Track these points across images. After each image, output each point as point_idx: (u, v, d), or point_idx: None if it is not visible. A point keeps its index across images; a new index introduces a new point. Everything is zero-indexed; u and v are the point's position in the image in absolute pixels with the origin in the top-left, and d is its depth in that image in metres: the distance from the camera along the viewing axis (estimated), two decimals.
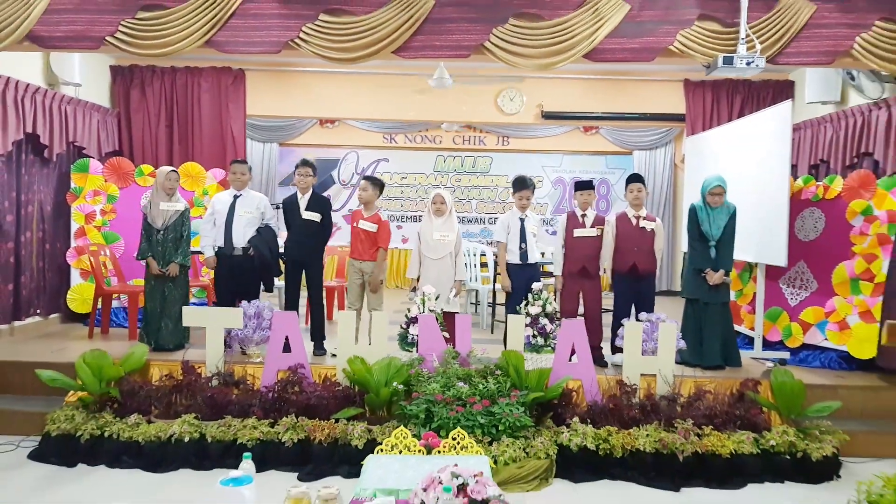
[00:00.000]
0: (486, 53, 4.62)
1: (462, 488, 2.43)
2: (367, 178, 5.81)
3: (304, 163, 5.62)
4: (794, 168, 7.07)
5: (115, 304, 6.60)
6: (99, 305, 6.24)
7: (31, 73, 6.23)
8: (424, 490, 2.47)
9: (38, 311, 6.41)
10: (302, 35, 4.58)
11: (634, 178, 5.57)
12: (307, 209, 5.52)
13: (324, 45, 4.58)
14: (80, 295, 6.70)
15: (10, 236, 5.94)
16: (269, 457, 4.20)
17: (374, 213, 5.69)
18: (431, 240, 5.51)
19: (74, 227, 6.73)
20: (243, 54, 4.63)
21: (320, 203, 5.59)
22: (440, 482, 2.44)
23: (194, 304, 7.09)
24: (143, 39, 4.60)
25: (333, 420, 4.36)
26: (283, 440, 4.23)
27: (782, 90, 7.44)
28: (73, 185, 6.72)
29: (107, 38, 4.61)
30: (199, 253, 5.92)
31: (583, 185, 5.54)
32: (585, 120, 9.27)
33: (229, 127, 7.62)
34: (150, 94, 7.50)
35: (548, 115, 8.57)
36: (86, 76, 6.85)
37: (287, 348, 4.76)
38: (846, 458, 4.43)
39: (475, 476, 2.48)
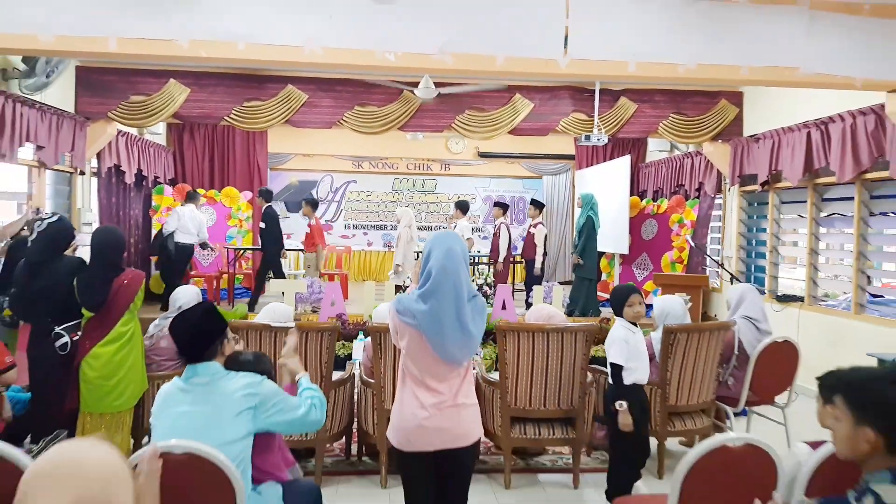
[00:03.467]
0: (453, 130, 7.92)
1: None
2: (304, 199, 9.13)
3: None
4: (644, 192, 10.70)
5: None
6: None
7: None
8: None
9: None
10: (344, 118, 7.74)
11: (533, 203, 9.01)
12: (261, 220, 8.69)
13: (357, 123, 7.75)
14: (156, 281, 9.51)
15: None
16: None
17: (309, 220, 9.00)
18: None
19: (154, 233, 9.54)
20: (308, 128, 7.74)
21: (264, 215, 8.62)
22: None
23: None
24: (247, 119, 7.65)
25: None
26: (339, 355, 7.34)
27: (637, 140, 11.03)
28: (153, 203, 9.55)
29: (224, 117, 7.63)
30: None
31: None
32: (509, 158, 12.73)
33: (255, 161, 10.58)
34: (197, 136, 10.36)
35: (482, 154, 12.00)
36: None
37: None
38: None
39: None
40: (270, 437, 2.63)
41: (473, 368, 4.42)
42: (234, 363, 2.61)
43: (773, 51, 5.07)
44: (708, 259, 7.94)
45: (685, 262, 9.16)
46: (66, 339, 3.88)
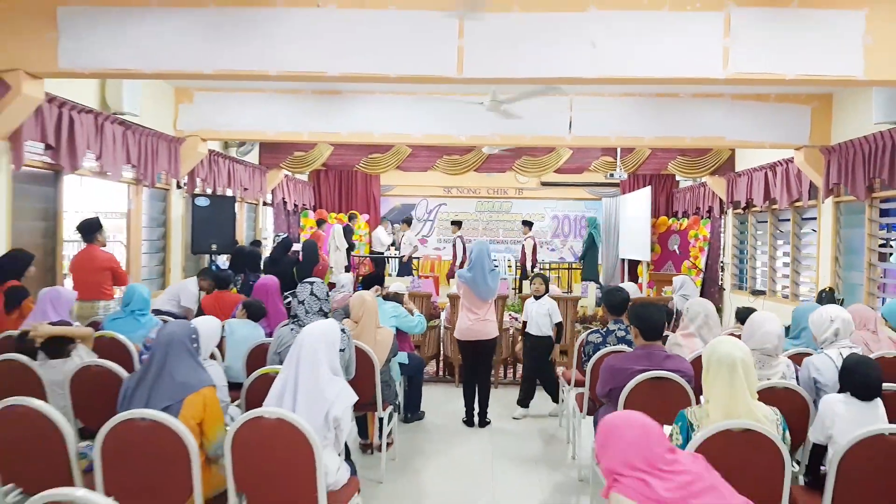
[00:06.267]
0: (514, 171, 11.08)
1: None
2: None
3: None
4: (676, 212, 13.41)
5: None
6: None
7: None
8: None
9: None
10: (436, 164, 11.07)
11: (524, 223, 12.04)
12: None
13: (445, 167, 11.06)
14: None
15: None
16: None
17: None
18: None
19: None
20: (412, 171, 11.13)
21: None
22: None
23: None
24: (370, 167, 11.13)
25: None
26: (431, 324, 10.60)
27: (667, 176, 13.74)
28: (300, 223, 13.19)
29: (355, 165, 11.13)
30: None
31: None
32: (564, 186, 15.77)
33: (371, 191, 14.11)
34: (330, 174, 13.98)
35: (543, 184, 15.08)
36: None
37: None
38: None
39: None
40: (404, 334, 5.88)
41: (515, 319, 7.53)
42: (387, 297, 5.89)
43: (707, 126, 7.96)
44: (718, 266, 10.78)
45: (699, 268, 11.87)
46: (289, 299, 7.31)
